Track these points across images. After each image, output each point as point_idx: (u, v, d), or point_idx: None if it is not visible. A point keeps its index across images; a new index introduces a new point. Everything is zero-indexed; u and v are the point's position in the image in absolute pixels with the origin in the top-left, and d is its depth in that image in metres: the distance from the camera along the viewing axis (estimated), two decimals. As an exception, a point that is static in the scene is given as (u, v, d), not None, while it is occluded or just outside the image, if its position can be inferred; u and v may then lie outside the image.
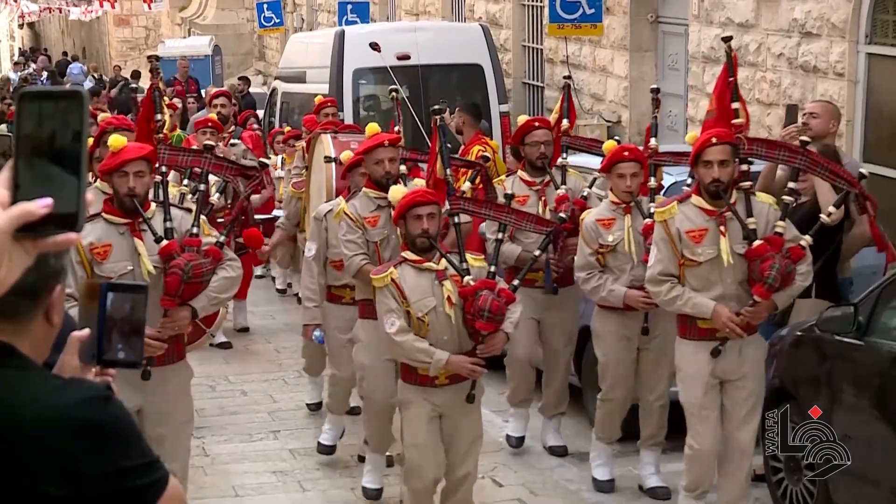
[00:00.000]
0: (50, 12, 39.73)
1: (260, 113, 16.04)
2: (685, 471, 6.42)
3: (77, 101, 1.81)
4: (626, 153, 6.96)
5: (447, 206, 6.30)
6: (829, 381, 6.23)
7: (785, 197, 6.22)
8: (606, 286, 6.90)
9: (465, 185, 7.28)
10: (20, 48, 48.00)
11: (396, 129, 7.84)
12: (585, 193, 7.65)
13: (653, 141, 7.25)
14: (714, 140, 6.04)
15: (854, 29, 9.80)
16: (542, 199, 7.60)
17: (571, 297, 7.60)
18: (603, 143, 7.92)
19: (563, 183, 7.65)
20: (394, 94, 8.24)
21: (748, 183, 6.25)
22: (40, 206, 1.77)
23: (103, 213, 5.81)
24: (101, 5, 32.41)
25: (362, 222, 6.81)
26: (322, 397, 8.76)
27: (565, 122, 8.00)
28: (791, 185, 6.29)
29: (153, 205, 5.91)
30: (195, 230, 5.95)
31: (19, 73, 31.71)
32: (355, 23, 18.17)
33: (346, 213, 6.85)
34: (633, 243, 6.88)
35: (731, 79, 6.50)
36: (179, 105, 14.65)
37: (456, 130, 10.45)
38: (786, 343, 6.68)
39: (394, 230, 6.62)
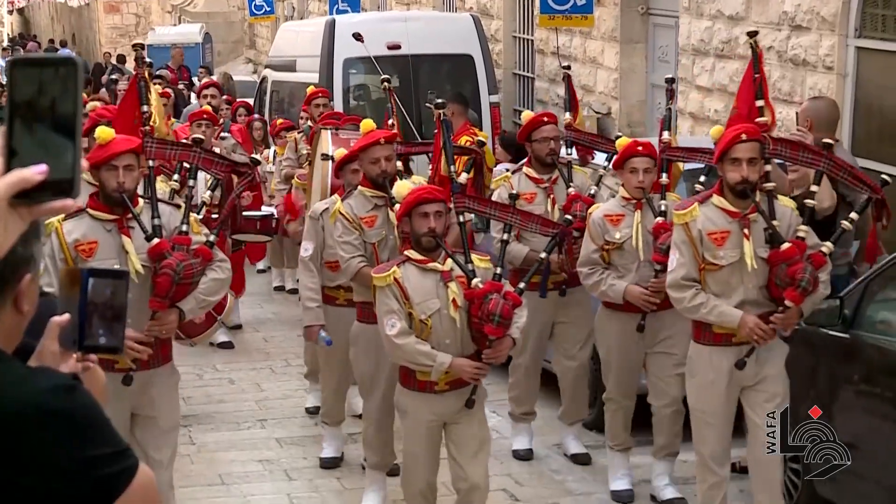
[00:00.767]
0: (40, -2, 39.67)
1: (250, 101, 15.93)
2: (698, 482, 6.17)
3: (73, 67, 1.81)
4: (640, 148, 6.70)
5: (452, 205, 6.02)
6: (815, 374, 6.24)
7: (807, 201, 5.92)
8: (607, 281, 6.69)
9: (463, 178, 6.83)
10: (9, 34, 47.83)
11: (391, 122, 7.64)
12: (592, 191, 7.42)
13: (665, 134, 6.96)
14: (744, 136, 5.68)
15: (844, 22, 9.81)
16: (551, 196, 7.33)
17: (584, 298, 7.30)
18: (601, 137, 7.77)
19: (570, 180, 7.39)
20: (386, 84, 7.89)
21: (771, 184, 5.95)
22: (36, 172, 1.76)
23: (88, 209, 5.49)
24: (92, -8, 32.35)
25: (359, 223, 6.55)
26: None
27: (568, 116, 7.72)
28: (814, 188, 5.98)
29: (141, 201, 5.60)
30: (185, 227, 5.65)
31: (8, 59, 31.59)
32: (346, 12, 18.13)
33: (341, 214, 6.57)
34: (642, 241, 6.65)
35: (757, 76, 6.17)
36: (172, 94, 14.53)
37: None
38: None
39: (392, 230, 6.46)
